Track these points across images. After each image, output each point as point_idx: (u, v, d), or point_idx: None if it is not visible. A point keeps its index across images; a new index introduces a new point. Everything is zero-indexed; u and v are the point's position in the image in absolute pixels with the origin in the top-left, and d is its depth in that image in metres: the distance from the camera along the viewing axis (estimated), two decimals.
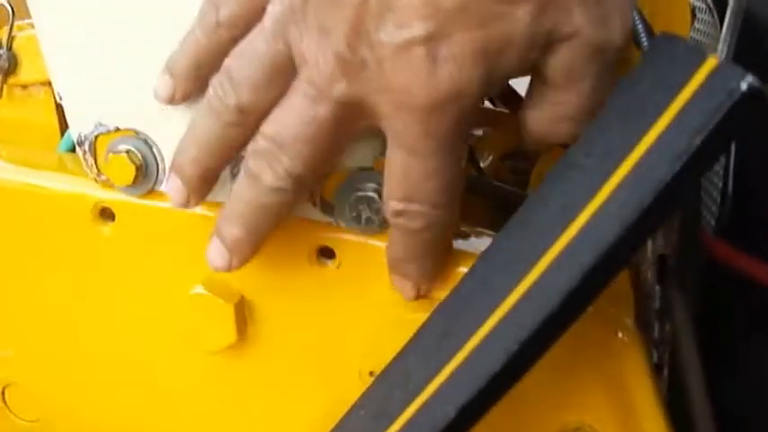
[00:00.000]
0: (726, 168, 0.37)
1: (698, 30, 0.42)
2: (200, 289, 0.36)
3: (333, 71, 0.28)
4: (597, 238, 0.24)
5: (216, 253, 0.33)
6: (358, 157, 0.34)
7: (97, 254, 0.38)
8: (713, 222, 0.38)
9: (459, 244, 0.35)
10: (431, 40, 0.26)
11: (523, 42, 0.26)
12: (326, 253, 0.36)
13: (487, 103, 0.45)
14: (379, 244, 0.35)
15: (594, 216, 0.24)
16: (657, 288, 0.35)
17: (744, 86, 0.22)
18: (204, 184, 0.33)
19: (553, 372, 0.35)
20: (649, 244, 0.35)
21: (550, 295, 0.24)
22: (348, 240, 0.35)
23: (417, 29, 0.26)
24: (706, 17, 0.41)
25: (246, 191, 0.31)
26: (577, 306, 0.24)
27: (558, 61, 0.27)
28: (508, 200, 0.38)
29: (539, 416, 0.36)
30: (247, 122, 0.30)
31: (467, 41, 0.26)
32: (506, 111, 0.41)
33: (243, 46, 0.30)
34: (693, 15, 0.43)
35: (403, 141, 0.28)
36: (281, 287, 0.37)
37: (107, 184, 0.37)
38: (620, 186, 0.24)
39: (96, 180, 0.37)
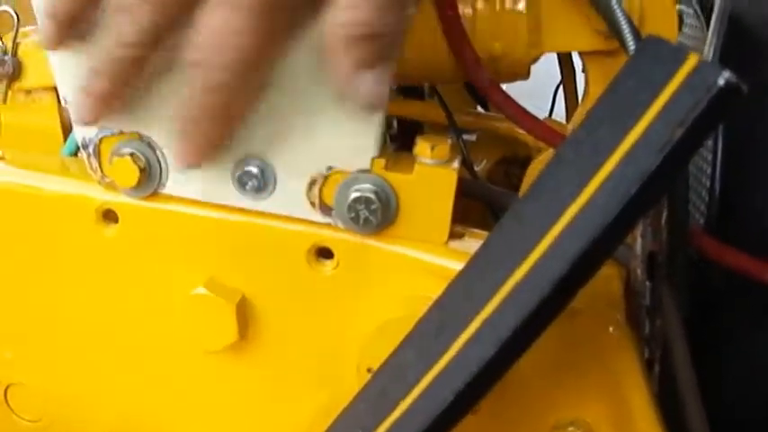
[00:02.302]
0: (713, 167, 0.38)
1: (686, 34, 0.43)
2: (201, 289, 0.37)
3: None
4: (586, 228, 0.24)
5: (83, 107, 0.34)
6: (355, 158, 0.35)
7: (101, 255, 0.39)
8: (702, 220, 0.39)
9: (454, 244, 0.36)
10: None
11: None
12: (325, 253, 0.37)
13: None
14: (376, 244, 0.36)
15: (583, 208, 0.25)
16: (648, 285, 0.36)
17: (721, 81, 0.23)
18: (71, 23, 0.33)
19: (547, 368, 0.36)
20: (639, 241, 0.36)
21: (542, 284, 0.25)
22: (346, 240, 0.36)
23: None
24: (693, 22, 0.43)
25: (109, 43, 0.32)
26: (568, 293, 0.25)
27: None
28: (502, 201, 0.39)
29: (533, 412, 0.37)
30: None
31: None
32: (500, 116, 0.42)
33: None
34: (681, 21, 0.44)
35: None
36: (280, 287, 0.37)
37: (111, 187, 0.38)
38: (607, 179, 0.25)
39: (100, 183, 0.38)
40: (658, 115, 0.25)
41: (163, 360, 0.40)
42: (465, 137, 0.43)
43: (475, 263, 0.31)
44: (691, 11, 0.43)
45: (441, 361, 0.28)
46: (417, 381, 0.28)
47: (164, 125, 0.36)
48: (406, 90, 0.46)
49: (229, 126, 0.33)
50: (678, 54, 0.26)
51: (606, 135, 0.27)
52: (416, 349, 0.31)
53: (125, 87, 0.33)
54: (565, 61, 0.46)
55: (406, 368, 0.30)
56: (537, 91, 0.66)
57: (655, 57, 0.28)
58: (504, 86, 0.40)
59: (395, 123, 0.41)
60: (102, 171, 0.38)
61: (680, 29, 0.44)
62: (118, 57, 0.32)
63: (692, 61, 0.25)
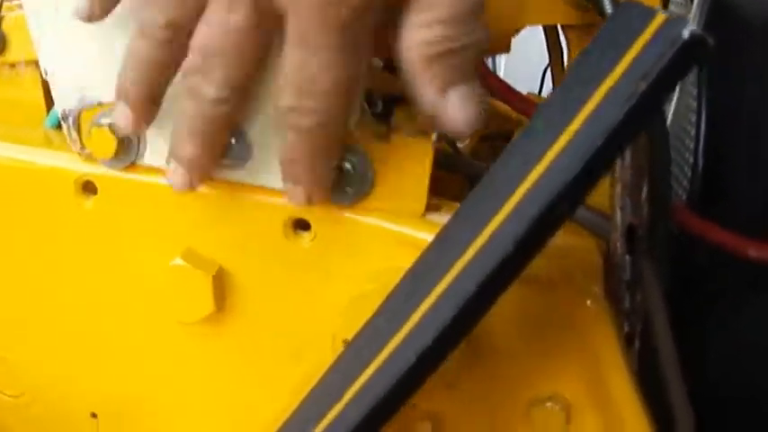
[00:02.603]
0: (696, 141, 0.38)
1: (672, 12, 0.43)
2: (179, 260, 0.37)
3: None
4: (550, 186, 0.24)
5: (177, 175, 0.34)
6: None
7: (80, 228, 0.39)
8: (685, 195, 0.38)
9: (431, 216, 0.36)
10: None
11: None
12: (302, 225, 0.37)
13: None
14: (353, 216, 0.36)
15: (548, 167, 0.25)
16: (627, 258, 0.35)
17: (686, 34, 0.23)
18: (150, 107, 0.34)
19: (524, 343, 0.36)
20: (618, 214, 0.35)
21: (504, 243, 0.25)
22: (322, 212, 0.36)
23: None
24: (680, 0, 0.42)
25: (192, 107, 0.32)
26: (530, 251, 0.25)
27: None
28: (483, 175, 0.39)
29: (510, 386, 0.36)
30: (179, 38, 0.31)
31: None
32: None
33: None
34: (667, 0, 0.44)
35: (301, 37, 0.29)
36: (257, 259, 0.37)
37: (90, 158, 0.38)
38: (573, 136, 0.25)
39: (80, 154, 0.38)
40: (625, 71, 0.24)
41: (142, 333, 0.40)
42: None
43: (445, 231, 0.31)
44: None
45: (406, 325, 0.27)
46: (383, 346, 0.28)
47: None
48: (391, 65, 0.46)
49: (334, 157, 0.33)
50: (648, 14, 0.26)
51: (575, 96, 0.26)
52: (386, 317, 0.31)
53: (216, 150, 0.34)
54: (552, 42, 0.46)
55: (376, 336, 0.30)
56: (532, 74, 0.65)
57: (626, 20, 0.27)
58: (500, 70, 0.39)
59: (379, 103, 0.41)
60: (81, 142, 0.38)
61: (666, 6, 0.43)
62: (208, 115, 0.32)
63: (659, 18, 0.25)
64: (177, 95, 0.35)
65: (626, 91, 0.23)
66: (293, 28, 0.29)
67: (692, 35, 0.23)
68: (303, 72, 0.29)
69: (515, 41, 0.44)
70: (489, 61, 0.85)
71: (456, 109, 0.29)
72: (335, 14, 0.28)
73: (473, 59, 0.29)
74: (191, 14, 0.31)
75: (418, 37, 0.28)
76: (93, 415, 0.42)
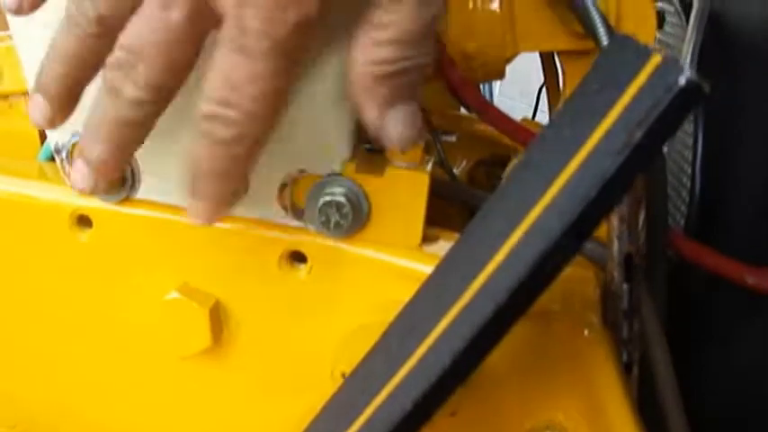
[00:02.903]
0: (693, 167, 0.38)
1: (668, 33, 0.42)
2: (175, 294, 0.37)
3: None
4: (544, 233, 0.24)
5: (80, 174, 0.32)
6: (327, 160, 0.35)
7: (75, 261, 0.39)
8: (683, 222, 0.38)
9: (428, 248, 0.36)
10: None
11: None
12: (298, 257, 0.36)
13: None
14: (349, 248, 0.36)
15: (543, 211, 0.25)
16: (625, 287, 0.35)
17: (682, 81, 0.23)
18: (69, 101, 0.32)
19: (522, 372, 0.36)
20: (615, 243, 0.35)
21: (498, 291, 0.24)
22: (318, 244, 0.36)
23: None
24: (674, 20, 0.42)
25: (108, 106, 0.30)
26: (525, 300, 0.25)
27: None
28: (480, 203, 0.39)
29: (509, 415, 0.36)
30: (108, 33, 0.29)
31: None
32: (478, 118, 0.42)
33: None
34: (663, 19, 0.44)
35: (238, 41, 0.27)
36: (254, 292, 0.37)
37: (83, 192, 0.38)
38: (567, 182, 0.25)
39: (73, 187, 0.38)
40: (619, 116, 0.24)
41: (138, 366, 0.39)
42: (445, 138, 0.42)
43: (443, 266, 0.31)
44: (672, 9, 0.42)
45: (404, 367, 0.27)
46: (381, 387, 0.28)
47: None
48: None
49: (245, 178, 0.31)
50: (643, 53, 0.25)
51: (569, 136, 0.26)
52: (384, 355, 0.31)
53: (127, 154, 0.31)
54: (547, 62, 0.46)
55: (373, 374, 0.30)
56: (529, 92, 0.65)
57: (621, 56, 0.27)
58: (497, 85, 0.39)
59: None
60: None
61: (661, 27, 0.43)
62: (123, 117, 0.30)
63: (654, 60, 0.24)
64: (172, 128, 0.35)
65: (620, 140, 0.23)
66: (231, 31, 0.27)
67: (689, 81, 0.23)
68: (231, 79, 0.28)
69: None
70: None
71: (394, 128, 0.29)
72: (282, 21, 0.27)
73: (417, 81, 0.29)
74: (124, 11, 0.29)
75: (369, 55, 0.28)
76: None
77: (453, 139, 0.43)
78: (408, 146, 0.30)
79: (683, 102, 0.23)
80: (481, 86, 1.34)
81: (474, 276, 0.26)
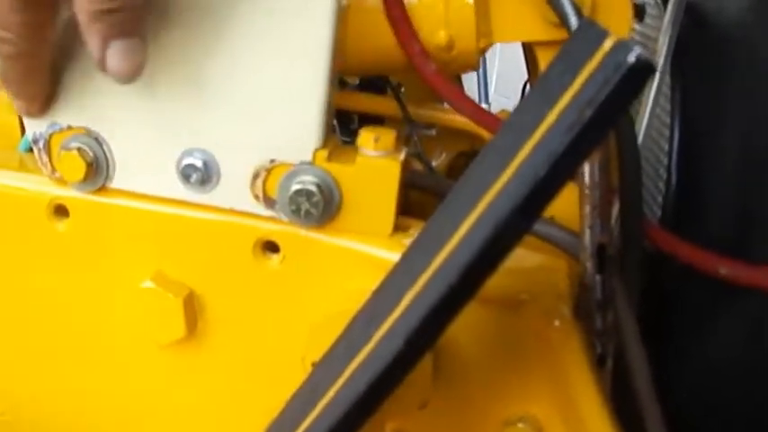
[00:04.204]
0: (670, 160, 0.37)
1: (648, 25, 0.42)
2: (149, 283, 0.37)
3: None
4: (495, 214, 0.24)
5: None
6: (298, 150, 0.35)
7: (53, 251, 0.39)
8: (659, 213, 0.38)
9: (398, 237, 0.36)
10: None
11: None
12: (271, 247, 0.37)
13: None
14: (321, 237, 0.36)
15: (498, 193, 0.25)
16: (598, 278, 0.35)
17: (631, 59, 0.22)
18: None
19: (494, 363, 0.36)
20: (588, 233, 0.35)
21: (452, 271, 0.24)
22: (291, 234, 0.36)
23: None
24: (653, 11, 0.42)
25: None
26: (478, 278, 0.25)
27: None
28: None
29: (482, 407, 0.36)
30: None
31: None
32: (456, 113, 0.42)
33: None
34: (643, 12, 0.43)
35: None
36: (228, 281, 0.37)
37: (61, 182, 0.38)
38: (521, 162, 0.24)
39: (50, 177, 0.38)
40: (572, 97, 0.24)
41: (115, 355, 0.39)
42: (424, 132, 0.42)
43: (407, 254, 0.31)
44: (651, 1, 0.42)
45: (362, 352, 0.27)
46: (341, 372, 0.28)
47: (110, 120, 0.36)
48: (367, 85, 0.46)
49: (38, 81, 0.36)
50: (600, 37, 0.25)
51: (529, 120, 0.26)
52: (346, 341, 0.31)
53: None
54: (531, 58, 0.46)
55: (335, 360, 0.30)
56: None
57: (583, 41, 0.27)
58: (492, 84, 0.39)
59: (356, 119, 0.41)
60: (51, 166, 0.38)
61: (642, 19, 0.43)
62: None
63: (608, 43, 0.24)
64: (144, 118, 0.36)
65: (571, 118, 0.23)
66: None
67: (639, 60, 0.22)
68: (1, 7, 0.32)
69: (509, 52, 0.44)
70: (481, 74, 0.85)
71: (115, 60, 0.33)
72: None
73: (132, 19, 0.33)
74: None
75: None
76: None
77: (433, 132, 0.43)
78: (127, 78, 0.33)
79: (633, 80, 0.23)
80: (476, 85, 1.35)
81: (431, 260, 0.26)
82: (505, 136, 0.28)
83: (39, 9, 0.33)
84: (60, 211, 0.38)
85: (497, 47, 0.41)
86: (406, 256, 0.30)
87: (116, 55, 0.33)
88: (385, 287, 0.31)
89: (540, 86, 0.28)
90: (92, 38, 0.33)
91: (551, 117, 0.25)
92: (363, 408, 0.26)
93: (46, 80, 0.36)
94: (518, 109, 0.28)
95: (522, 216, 0.23)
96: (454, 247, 0.25)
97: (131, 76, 0.33)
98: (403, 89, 0.45)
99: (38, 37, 0.34)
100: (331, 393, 0.28)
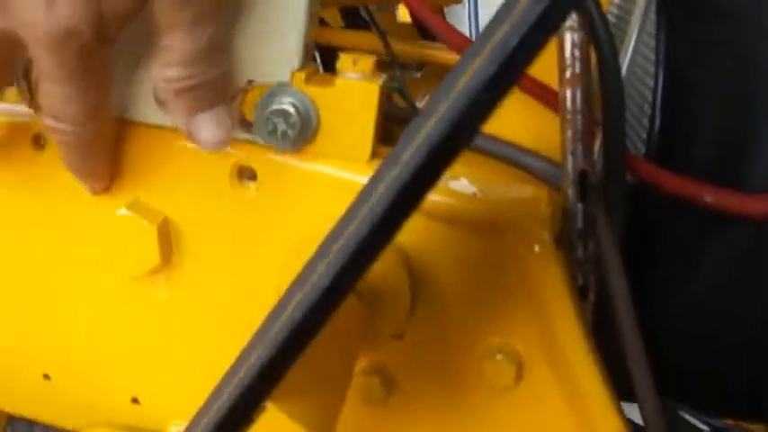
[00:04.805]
0: (654, 95, 0.37)
1: None
2: (124, 210, 0.36)
3: None
4: (471, 87, 0.23)
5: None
6: (276, 71, 0.34)
7: (33, 182, 0.39)
8: (643, 150, 0.37)
9: (376, 163, 0.35)
10: None
11: None
12: (248, 174, 0.36)
13: None
14: (298, 163, 0.35)
15: (465, 82, 0.24)
16: (579, 206, 0.35)
17: None
18: None
19: (473, 292, 0.35)
20: (569, 159, 0.34)
21: (420, 151, 0.24)
22: (268, 159, 0.35)
23: None
24: None
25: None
26: (448, 156, 0.24)
27: (156, 6, 0.31)
28: None
29: (461, 337, 0.35)
30: None
31: None
32: (442, 46, 0.41)
33: None
34: None
35: (44, 71, 0.32)
36: (204, 209, 0.37)
37: (40, 112, 0.38)
38: (489, 48, 0.24)
39: (30, 107, 0.38)
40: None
41: (93, 288, 0.39)
42: (409, 73, 0.42)
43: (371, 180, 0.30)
44: None
45: (315, 272, 0.26)
46: (296, 293, 0.27)
47: None
48: (352, 23, 0.46)
49: (100, 160, 0.36)
50: None
51: (501, 11, 0.26)
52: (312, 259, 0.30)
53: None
54: None
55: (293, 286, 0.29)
56: None
57: None
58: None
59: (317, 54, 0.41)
60: (30, 95, 0.37)
61: None
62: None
63: None
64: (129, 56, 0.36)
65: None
66: (37, 62, 0.32)
67: None
68: (53, 101, 0.33)
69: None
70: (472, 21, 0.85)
71: (202, 132, 0.34)
72: (64, 54, 0.31)
73: (215, 90, 0.33)
74: None
75: (163, 75, 0.33)
76: (46, 376, 0.41)
77: (418, 75, 0.43)
78: (218, 146, 0.34)
79: None
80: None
81: (402, 153, 0.26)
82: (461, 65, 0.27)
83: (98, 93, 0.33)
84: (39, 141, 0.38)
85: None
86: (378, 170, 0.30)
87: (204, 126, 0.33)
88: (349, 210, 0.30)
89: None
90: (177, 113, 0.34)
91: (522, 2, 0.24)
92: (324, 303, 0.26)
93: (110, 154, 0.36)
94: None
95: (493, 89, 0.23)
96: (426, 131, 0.24)
97: (222, 144, 0.34)
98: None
99: (98, 120, 0.34)
100: (295, 299, 0.27)
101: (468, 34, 0.38)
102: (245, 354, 0.28)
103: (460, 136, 0.24)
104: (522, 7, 0.23)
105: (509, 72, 0.23)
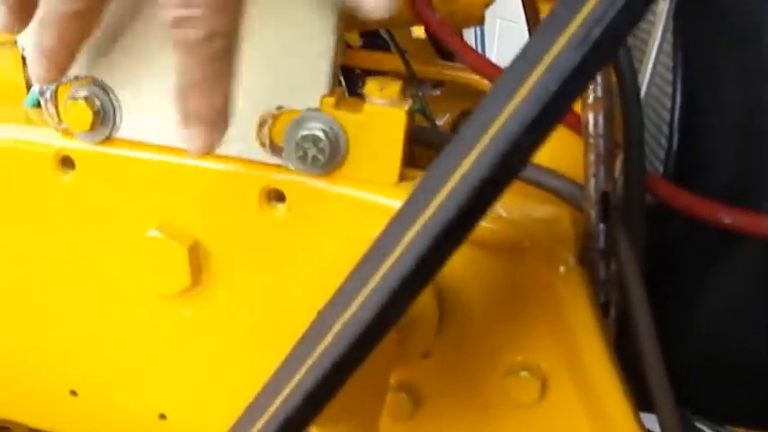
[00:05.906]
0: (672, 115, 0.38)
1: None
2: (155, 232, 0.37)
3: None
4: (508, 133, 0.24)
5: (35, 65, 0.33)
6: (305, 97, 0.35)
7: (59, 202, 0.39)
8: (662, 169, 0.38)
9: (404, 186, 0.36)
10: None
11: None
12: (277, 196, 0.37)
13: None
14: (326, 186, 0.36)
15: (509, 115, 0.25)
16: (601, 227, 0.35)
17: None
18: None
19: (498, 311, 0.36)
20: (592, 181, 0.35)
21: (461, 193, 0.25)
22: (297, 182, 0.36)
23: None
24: None
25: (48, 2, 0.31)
26: (489, 197, 0.25)
27: None
28: None
29: (486, 355, 0.36)
30: None
31: None
32: (462, 66, 0.42)
33: None
34: None
35: None
36: (234, 231, 0.37)
37: (68, 133, 0.38)
38: (531, 85, 0.25)
39: (57, 129, 0.38)
40: (582, 19, 0.24)
41: (122, 307, 0.40)
42: (430, 92, 0.43)
43: (408, 201, 0.31)
44: None
45: (361, 294, 0.27)
46: (339, 317, 0.28)
47: (117, 69, 0.37)
48: (371, 42, 0.46)
49: (227, 93, 0.31)
50: None
51: (538, 47, 0.26)
52: (350, 284, 0.31)
53: (76, 43, 0.33)
54: (532, 10, 0.46)
55: (337, 305, 0.30)
56: None
57: None
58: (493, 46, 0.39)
59: (362, 81, 0.41)
60: (58, 117, 0.38)
61: None
62: (62, 11, 0.31)
63: None
64: (152, 66, 0.36)
65: (579, 37, 0.23)
66: None
67: None
68: None
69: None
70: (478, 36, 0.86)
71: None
72: None
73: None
74: None
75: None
76: (73, 393, 0.42)
77: (438, 92, 0.43)
78: (385, 9, 0.30)
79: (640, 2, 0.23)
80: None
81: (440, 187, 0.26)
82: (514, 69, 0.28)
83: None
84: (66, 162, 0.39)
85: (497, 23, 0.41)
86: (406, 205, 0.30)
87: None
88: (385, 233, 0.31)
89: (549, 18, 0.28)
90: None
91: (562, 40, 0.25)
92: (369, 337, 0.26)
93: (230, 86, 0.30)
94: (520, 52, 0.28)
95: (533, 134, 0.24)
96: (465, 170, 0.25)
97: (387, 8, 0.30)
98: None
99: (234, 8, 0.28)
100: (336, 329, 0.28)
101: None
102: (287, 377, 0.29)
103: (503, 179, 0.24)
104: (560, 53, 0.23)
105: (550, 116, 0.23)
